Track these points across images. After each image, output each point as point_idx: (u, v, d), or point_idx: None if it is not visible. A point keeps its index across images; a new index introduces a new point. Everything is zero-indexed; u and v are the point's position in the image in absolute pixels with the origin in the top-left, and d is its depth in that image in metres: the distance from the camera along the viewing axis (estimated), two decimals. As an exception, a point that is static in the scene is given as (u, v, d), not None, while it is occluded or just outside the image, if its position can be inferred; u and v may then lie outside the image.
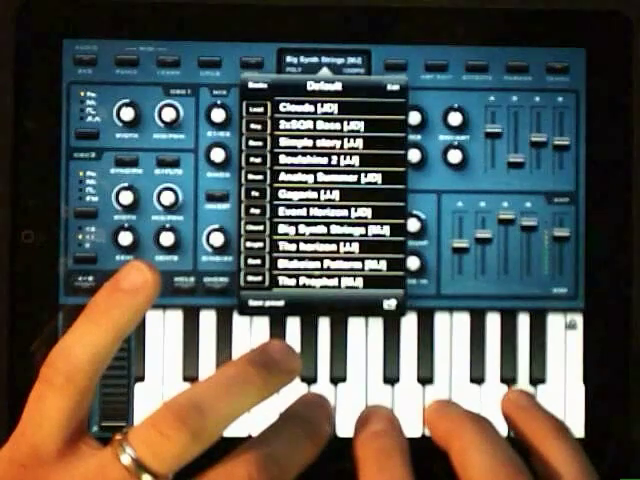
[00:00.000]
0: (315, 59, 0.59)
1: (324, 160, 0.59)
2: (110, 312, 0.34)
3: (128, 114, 0.58)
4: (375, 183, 0.59)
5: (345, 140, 0.59)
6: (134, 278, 0.34)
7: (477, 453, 0.34)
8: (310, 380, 0.59)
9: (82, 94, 0.59)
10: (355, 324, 0.59)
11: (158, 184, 0.59)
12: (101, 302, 0.35)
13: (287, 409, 0.36)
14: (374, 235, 0.59)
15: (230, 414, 0.32)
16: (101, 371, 0.35)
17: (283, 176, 0.59)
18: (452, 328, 0.60)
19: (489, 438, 0.35)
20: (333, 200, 0.59)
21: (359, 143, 0.59)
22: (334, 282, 0.58)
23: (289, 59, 0.59)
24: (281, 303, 0.58)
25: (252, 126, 0.58)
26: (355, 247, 0.59)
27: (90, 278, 0.58)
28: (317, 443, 0.35)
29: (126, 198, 0.58)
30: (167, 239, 0.58)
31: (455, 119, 0.59)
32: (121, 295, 0.34)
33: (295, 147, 0.59)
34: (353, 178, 0.59)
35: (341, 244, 0.59)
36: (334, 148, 0.59)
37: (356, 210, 0.59)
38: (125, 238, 0.58)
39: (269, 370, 0.34)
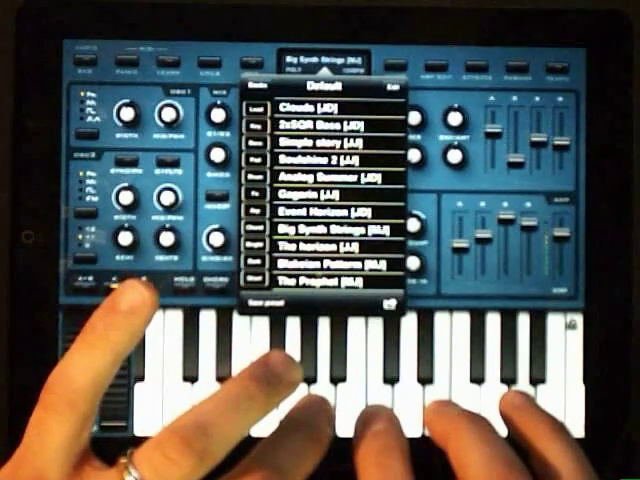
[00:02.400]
0: (315, 59, 0.59)
1: (324, 160, 0.59)
2: (108, 334, 0.33)
3: (128, 114, 0.58)
4: (375, 183, 0.59)
5: (345, 140, 0.59)
6: (131, 298, 0.33)
7: (474, 452, 0.34)
8: (310, 380, 0.59)
9: (82, 94, 0.59)
10: (355, 324, 0.59)
11: (158, 184, 0.59)
12: (99, 324, 0.34)
13: (288, 414, 0.36)
14: (374, 235, 0.59)
15: (235, 433, 0.32)
16: (102, 393, 0.34)
17: (283, 176, 0.58)
18: (452, 328, 0.60)
19: (486, 437, 0.35)
20: (333, 200, 0.59)
21: (359, 143, 0.59)
22: (334, 282, 0.58)
23: (289, 59, 0.59)
24: (281, 303, 0.58)
25: (252, 126, 0.58)
26: (355, 247, 0.58)
27: (90, 278, 0.58)
28: (320, 449, 0.35)
29: (126, 198, 0.58)
30: (167, 239, 0.58)
31: (455, 119, 0.59)
32: (119, 316, 0.33)
33: (295, 147, 0.59)
34: (353, 178, 0.59)
35: (341, 244, 0.58)
36: (334, 148, 0.59)
37: (356, 210, 0.59)
38: (125, 238, 0.58)
39: (271, 384, 0.33)
